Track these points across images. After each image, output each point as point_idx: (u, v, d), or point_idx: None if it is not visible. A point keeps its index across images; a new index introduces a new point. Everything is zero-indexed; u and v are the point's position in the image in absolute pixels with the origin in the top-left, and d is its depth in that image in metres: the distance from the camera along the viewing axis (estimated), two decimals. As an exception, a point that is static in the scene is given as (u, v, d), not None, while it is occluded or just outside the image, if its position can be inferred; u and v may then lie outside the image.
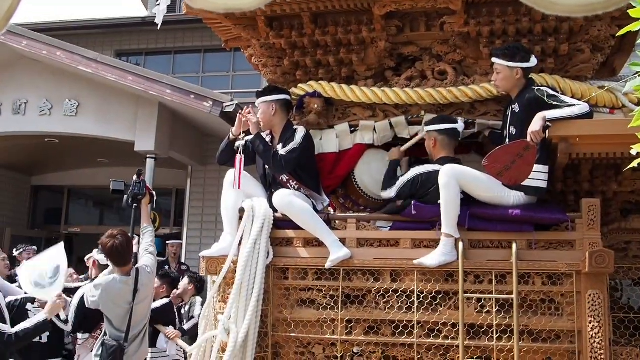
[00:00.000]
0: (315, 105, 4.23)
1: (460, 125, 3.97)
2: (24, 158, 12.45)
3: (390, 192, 3.94)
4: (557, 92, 3.75)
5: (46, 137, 10.59)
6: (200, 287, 6.77)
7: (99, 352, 4.25)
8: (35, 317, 4.13)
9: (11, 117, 10.18)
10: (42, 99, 10.10)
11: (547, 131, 3.55)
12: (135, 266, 4.36)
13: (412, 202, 3.77)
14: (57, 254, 4.58)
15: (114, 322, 4.24)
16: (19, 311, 4.84)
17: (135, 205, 4.67)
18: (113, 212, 14.27)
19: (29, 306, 4.94)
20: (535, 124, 3.51)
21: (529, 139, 3.49)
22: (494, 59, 3.82)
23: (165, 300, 6.07)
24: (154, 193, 4.93)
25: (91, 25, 14.37)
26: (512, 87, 3.80)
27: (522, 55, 3.73)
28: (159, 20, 4.32)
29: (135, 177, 4.70)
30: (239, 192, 4.01)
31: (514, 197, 3.66)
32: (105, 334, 4.28)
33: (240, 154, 4.02)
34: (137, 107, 9.77)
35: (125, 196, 4.78)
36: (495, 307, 3.52)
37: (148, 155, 9.73)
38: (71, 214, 13.90)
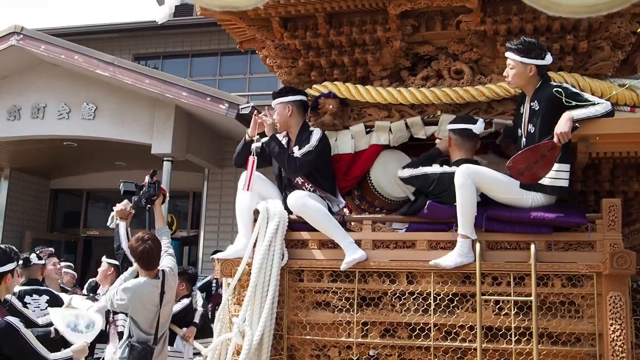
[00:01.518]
0: (330, 106, 4.19)
1: (477, 127, 3.86)
2: (43, 162, 12.58)
3: (406, 172, 3.90)
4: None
5: (64, 140, 10.70)
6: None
7: (125, 354, 4.21)
8: (65, 352, 3.96)
9: (30, 121, 10.31)
10: (60, 103, 10.22)
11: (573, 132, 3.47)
12: (160, 268, 4.37)
13: (428, 202, 3.72)
14: (96, 316, 4.71)
15: (141, 324, 4.24)
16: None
17: (149, 206, 4.64)
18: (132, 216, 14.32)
19: (27, 298, 5.01)
20: (564, 125, 3.40)
21: (555, 139, 3.40)
22: (507, 54, 3.72)
23: (186, 302, 6.11)
24: (167, 193, 4.88)
25: (109, 30, 14.51)
26: (525, 84, 3.70)
27: (537, 52, 3.61)
28: (160, 16, 4.29)
29: (148, 178, 4.64)
30: (254, 194, 3.99)
31: (532, 198, 3.59)
32: (130, 337, 4.26)
33: (253, 155, 4.00)
34: (154, 110, 9.84)
35: (136, 197, 4.72)
36: (514, 310, 3.46)
37: (165, 158, 9.79)
38: (90, 217, 14.03)
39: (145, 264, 4.28)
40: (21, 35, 9.83)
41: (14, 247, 3.81)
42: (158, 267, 4.37)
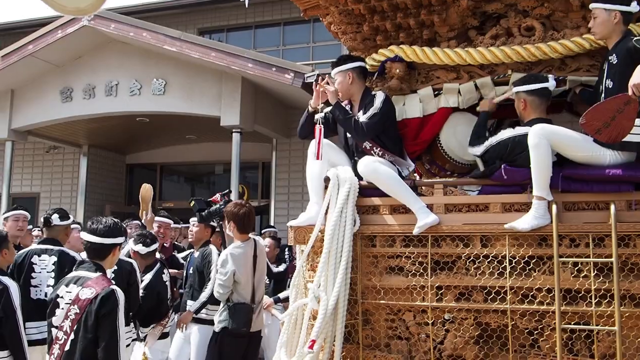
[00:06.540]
0: (397, 70, 4.15)
1: (551, 84, 3.76)
2: (118, 138, 13.03)
3: (478, 150, 3.83)
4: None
5: (137, 116, 11.01)
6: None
7: (222, 317, 4.69)
8: None
9: (104, 99, 10.66)
10: (131, 80, 10.49)
11: None
12: (251, 237, 4.88)
13: (502, 166, 3.64)
14: None
15: (240, 286, 4.70)
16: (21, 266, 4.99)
17: (220, 222, 5.42)
18: (203, 187, 14.73)
19: (34, 258, 5.03)
20: (637, 76, 3.25)
21: (630, 92, 3.26)
22: (592, 5, 3.61)
23: (285, 266, 6.76)
24: None
25: (174, 5, 14.72)
26: (610, 33, 3.57)
27: None
28: None
29: (221, 196, 5.45)
30: (324, 161, 4.01)
31: (610, 155, 3.46)
32: (228, 301, 4.73)
33: (319, 124, 4.00)
34: (221, 82, 9.98)
35: (206, 212, 5.44)
36: (593, 271, 3.37)
37: (234, 130, 9.94)
38: (164, 190, 14.46)
39: (244, 225, 4.79)
40: (91, 16, 10.10)
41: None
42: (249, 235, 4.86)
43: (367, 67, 4.24)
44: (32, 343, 4.57)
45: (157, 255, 5.52)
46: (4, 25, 16.15)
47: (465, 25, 4.19)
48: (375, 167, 3.84)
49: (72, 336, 3.32)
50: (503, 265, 3.53)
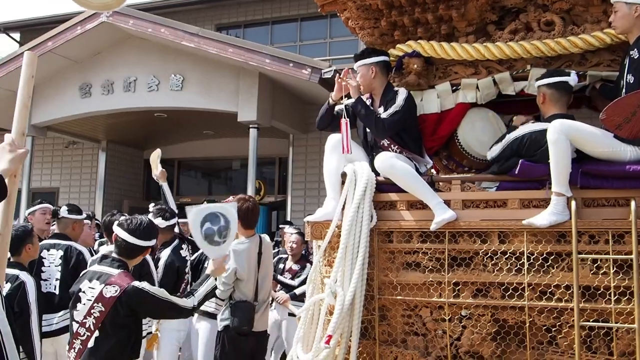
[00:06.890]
0: (415, 66, 4.13)
1: (572, 79, 3.72)
2: (136, 133, 13.14)
3: (493, 152, 3.79)
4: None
5: (155, 112, 11.09)
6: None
7: (225, 315, 4.55)
8: (208, 283, 3.67)
9: (122, 94, 10.75)
10: (149, 76, 10.57)
11: None
12: (257, 234, 4.73)
13: (520, 161, 3.61)
14: (231, 214, 3.81)
15: (244, 284, 4.55)
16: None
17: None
18: (220, 182, 14.80)
19: (44, 253, 5.04)
20: None
21: None
22: None
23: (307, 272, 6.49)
24: None
25: (192, 1, 14.79)
26: (630, 27, 3.52)
27: None
28: None
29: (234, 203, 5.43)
30: (341, 157, 4.01)
31: (630, 151, 3.42)
32: (230, 299, 4.59)
33: (344, 117, 3.99)
34: (239, 78, 10.01)
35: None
36: (613, 268, 3.34)
37: (251, 125, 9.97)
38: (182, 185, 14.56)
39: (248, 221, 4.64)
40: (110, 12, 10.19)
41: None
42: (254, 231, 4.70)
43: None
44: (42, 335, 4.58)
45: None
46: (24, 22, 16.33)
47: (484, 20, 4.16)
48: (392, 162, 3.83)
49: (96, 333, 3.35)
50: (521, 262, 3.51)
